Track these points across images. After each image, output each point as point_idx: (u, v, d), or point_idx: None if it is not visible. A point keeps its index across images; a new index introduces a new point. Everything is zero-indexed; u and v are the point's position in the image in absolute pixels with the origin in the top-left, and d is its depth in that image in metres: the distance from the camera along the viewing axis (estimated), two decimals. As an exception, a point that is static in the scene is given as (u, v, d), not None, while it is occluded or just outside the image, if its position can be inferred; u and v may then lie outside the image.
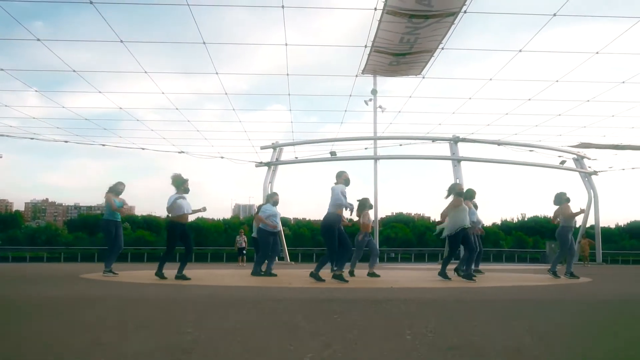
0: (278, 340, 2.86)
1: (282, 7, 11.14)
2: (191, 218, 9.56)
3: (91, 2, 11.11)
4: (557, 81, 14.79)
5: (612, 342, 2.87)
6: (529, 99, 16.24)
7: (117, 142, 22.38)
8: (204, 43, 12.80)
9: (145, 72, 14.45)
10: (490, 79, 14.67)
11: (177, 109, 17.56)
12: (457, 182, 10.53)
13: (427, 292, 6.58)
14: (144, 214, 72.37)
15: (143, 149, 23.35)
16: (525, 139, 21.52)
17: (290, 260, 25.76)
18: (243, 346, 2.67)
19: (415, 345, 2.76)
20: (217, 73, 14.56)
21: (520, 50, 12.94)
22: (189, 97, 22.74)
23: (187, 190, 8.75)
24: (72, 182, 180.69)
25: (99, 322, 3.72)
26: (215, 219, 69.66)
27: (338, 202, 8.02)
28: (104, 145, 23.11)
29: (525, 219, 67.56)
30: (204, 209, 9.22)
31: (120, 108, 17.72)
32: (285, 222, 61.65)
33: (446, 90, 20.99)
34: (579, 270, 10.45)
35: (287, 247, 27.32)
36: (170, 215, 8.69)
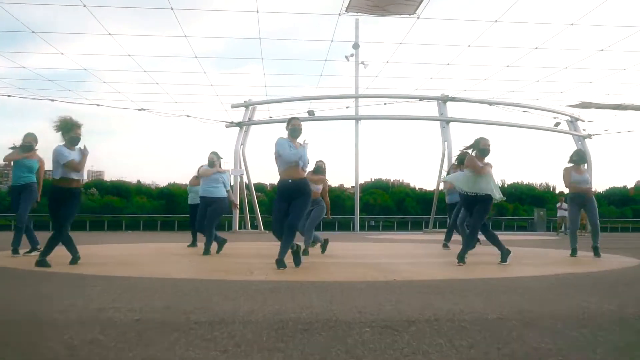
0: None
1: None
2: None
3: None
4: (572, 24, 12.64)
5: None
6: (536, 48, 14.08)
7: (67, 97, 19.63)
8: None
9: (84, 5, 11.81)
10: (496, 21, 12.45)
11: (129, 55, 14.95)
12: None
13: (460, 292, 4.49)
14: (113, 179, 69.34)
15: (98, 105, 20.65)
16: (525, 96, 19.50)
17: (265, 229, 23.73)
18: None
19: None
20: (172, 8, 12.01)
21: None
22: (149, 50, 19.97)
23: (75, 140, 6.12)
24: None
25: None
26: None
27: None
28: (52, 100, 20.31)
29: (505, 186, 66.46)
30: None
31: (62, 53, 15.06)
32: (260, 188, 59.37)
33: (440, 38, 18.84)
34: (581, 241, 8.55)
35: (263, 214, 25.31)
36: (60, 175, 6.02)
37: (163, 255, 8.40)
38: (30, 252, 7.33)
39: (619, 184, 74.14)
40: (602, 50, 14.20)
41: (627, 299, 4.10)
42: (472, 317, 3.11)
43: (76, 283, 4.84)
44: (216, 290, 4.34)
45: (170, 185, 65.78)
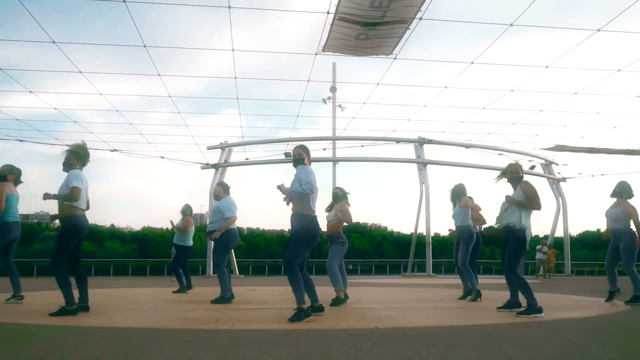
0: None
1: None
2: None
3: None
4: (546, 67, 12.70)
5: None
6: (512, 90, 14.11)
7: (35, 137, 18.97)
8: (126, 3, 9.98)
9: (53, 41, 11.45)
10: (472, 62, 12.42)
11: (100, 94, 14.51)
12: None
13: (447, 341, 4.01)
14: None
15: (67, 146, 19.96)
16: (500, 138, 19.53)
17: (240, 273, 22.91)
18: None
19: None
20: (144, 45, 11.70)
21: (511, 24, 10.74)
22: (121, 89, 19.50)
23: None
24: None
25: None
26: (164, 227, 65.33)
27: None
28: (21, 140, 19.63)
29: (482, 229, 66.48)
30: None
31: (30, 92, 14.55)
32: (237, 231, 58.34)
33: (417, 79, 19.01)
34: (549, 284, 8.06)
35: (238, 258, 24.50)
36: (73, 204, 5.46)
37: (128, 301, 7.73)
38: None
39: (592, 227, 74.77)
40: (576, 93, 14.33)
41: (621, 347, 3.69)
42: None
43: (20, 333, 4.24)
44: (172, 339, 3.79)
45: (144, 229, 64.30)
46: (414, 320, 5.29)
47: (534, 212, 5.72)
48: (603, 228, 7.90)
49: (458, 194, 7.91)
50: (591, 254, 60.09)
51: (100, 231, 65.15)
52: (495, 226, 6.15)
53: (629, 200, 7.16)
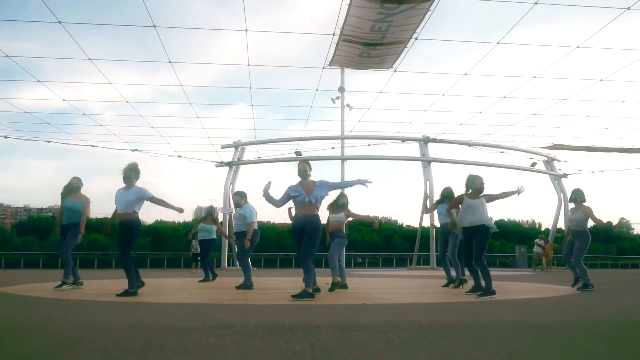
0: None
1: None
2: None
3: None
4: (534, 77, 14.21)
5: None
6: (505, 97, 15.64)
7: (64, 138, 20.84)
8: (155, 26, 11.64)
9: (89, 58, 13.17)
10: (466, 74, 13.97)
11: (127, 102, 16.27)
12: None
13: (410, 311, 5.65)
14: (99, 216, 69.53)
15: (93, 146, 21.84)
16: (498, 139, 21.04)
17: (252, 266, 24.68)
18: None
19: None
20: (170, 61, 13.38)
21: (498, 43, 12.27)
22: (142, 91, 21.38)
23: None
24: (21, 182, 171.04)
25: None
26: (176, 222, 67.41)
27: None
28: (49, 142, 21.53)
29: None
30: None
31: (64, 100, 16.32)
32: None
33: (418, 86, 20.51)
34: (540, 276, 9.61)
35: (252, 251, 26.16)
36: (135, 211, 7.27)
37: (164, 287, 9.46)
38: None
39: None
40: (564, 99, 15.81)
41: (556, 317, 5.29)
42: (409, 323, 4.28)
43: (103, 307, 5.95)
44: (218, 309, 5.46)
45: (157, 222, 66.34)
46: (397, 299, 6.93)
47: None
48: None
49: (447, 196, 9.48)
50: (602, 247, 61.33)
51: (114, 225, 66.96)
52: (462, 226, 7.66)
53: (583, 204, 8.80)
